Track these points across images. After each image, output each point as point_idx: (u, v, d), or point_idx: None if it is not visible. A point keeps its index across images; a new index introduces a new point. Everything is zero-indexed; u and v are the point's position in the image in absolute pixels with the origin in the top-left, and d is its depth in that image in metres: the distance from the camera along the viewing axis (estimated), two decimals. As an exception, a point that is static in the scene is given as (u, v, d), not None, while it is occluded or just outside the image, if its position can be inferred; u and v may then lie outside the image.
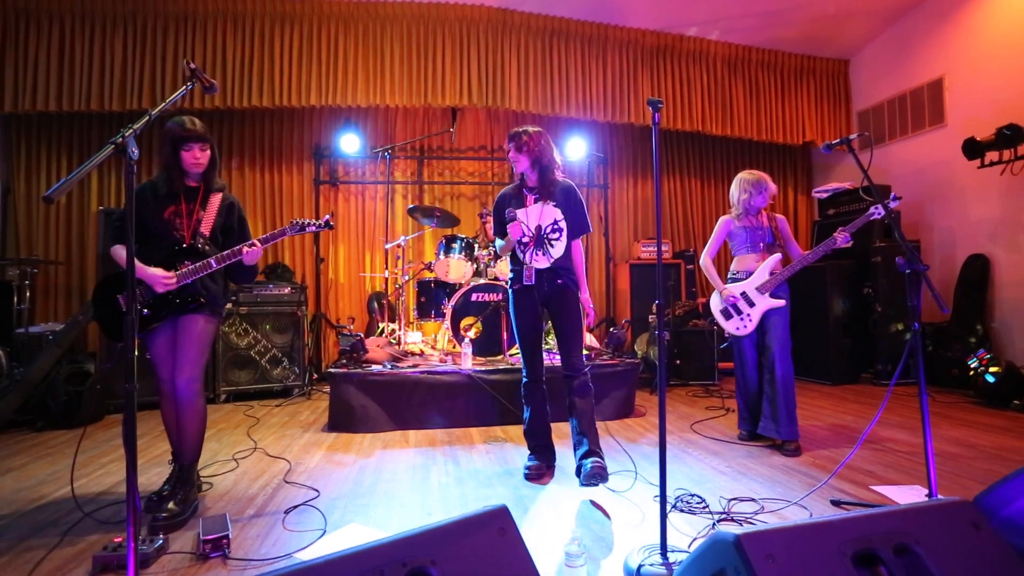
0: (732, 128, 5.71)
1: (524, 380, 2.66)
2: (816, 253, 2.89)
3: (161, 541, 1.83)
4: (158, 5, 4.65)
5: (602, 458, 2.39)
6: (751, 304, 3.01)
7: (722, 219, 3.21)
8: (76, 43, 4.56)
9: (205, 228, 2.17)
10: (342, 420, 3.47)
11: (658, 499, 2.24)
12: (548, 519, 2.11)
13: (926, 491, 1.96)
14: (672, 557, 1.65)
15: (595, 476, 2.25)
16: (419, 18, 5.00)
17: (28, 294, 4.28)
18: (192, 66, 1.72)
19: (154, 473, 2.63)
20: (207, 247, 2.16)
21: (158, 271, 2.05)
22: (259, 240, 2.12)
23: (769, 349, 2.98)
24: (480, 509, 1.25)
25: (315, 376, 5.09)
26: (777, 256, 3.04)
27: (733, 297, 3.05)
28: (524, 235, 2.54)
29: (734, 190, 3.15)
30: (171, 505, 2.03)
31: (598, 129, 6.03)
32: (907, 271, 1.98)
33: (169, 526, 1.98)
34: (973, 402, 4.10)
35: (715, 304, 3.14)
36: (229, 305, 4.41)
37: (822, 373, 4.95)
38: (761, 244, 3.09)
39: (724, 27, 5.51)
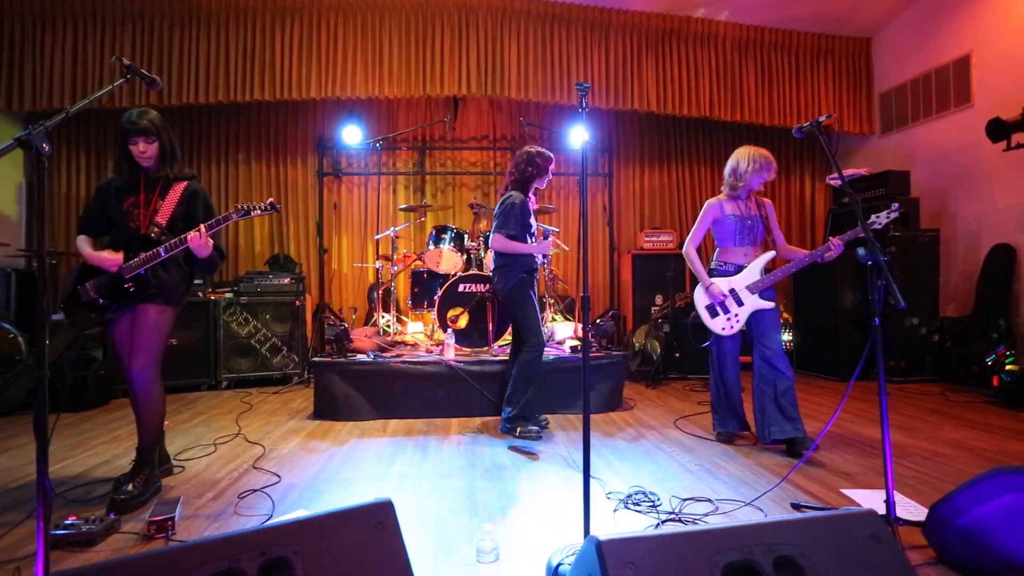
0: (743, 114, 5.47)
1: (540, 351, 3.13)
2: (811, 257, 2.74)
3: (111, 520, 1.90)
4: (164, 4, 4.77)
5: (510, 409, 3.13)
6: (739, 303, 2.87)
7: (709, 203, 2.97)
8: (88, 43, 4.74)
9: (162, 218, 2.21)
10: (326, 408, 3.54)
11: (610, 496, 2.22)
12: (492, 513, 2.10)
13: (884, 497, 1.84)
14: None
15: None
16: (418, 8, 4.98)
17: (48, 284, 4.52)
18: (126, 62, 1.75)
19: (131, 458, 2.75)
20: (163, 236, 2.20)
21: (105, 253, 2.14)
22: (204, 226, 2.14)
23: (769, 351, 2.79)
24: (364, 502, 1.25)
25: (317, 364, 5.20)
26: (770, 254, 2.90)
27: (722, 295, 2.89)
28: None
29: (739, 163, 2.86)
30: (129, 487, 2.11)
31: (602, 117, 5.90)
32: (868, 263, 1.86)
33: (127, 507, 2.07)
34: (989, 402, 3.85)
35: (699, 299, 2.99)
36: (229, 294, 4.55)
37: (830, 368, 4.73)
38: (751, 236, 2.91)
39: (734, 7, 5.28)
